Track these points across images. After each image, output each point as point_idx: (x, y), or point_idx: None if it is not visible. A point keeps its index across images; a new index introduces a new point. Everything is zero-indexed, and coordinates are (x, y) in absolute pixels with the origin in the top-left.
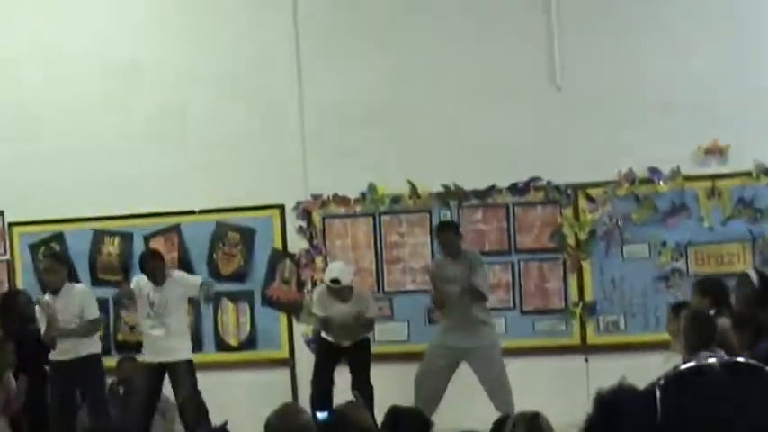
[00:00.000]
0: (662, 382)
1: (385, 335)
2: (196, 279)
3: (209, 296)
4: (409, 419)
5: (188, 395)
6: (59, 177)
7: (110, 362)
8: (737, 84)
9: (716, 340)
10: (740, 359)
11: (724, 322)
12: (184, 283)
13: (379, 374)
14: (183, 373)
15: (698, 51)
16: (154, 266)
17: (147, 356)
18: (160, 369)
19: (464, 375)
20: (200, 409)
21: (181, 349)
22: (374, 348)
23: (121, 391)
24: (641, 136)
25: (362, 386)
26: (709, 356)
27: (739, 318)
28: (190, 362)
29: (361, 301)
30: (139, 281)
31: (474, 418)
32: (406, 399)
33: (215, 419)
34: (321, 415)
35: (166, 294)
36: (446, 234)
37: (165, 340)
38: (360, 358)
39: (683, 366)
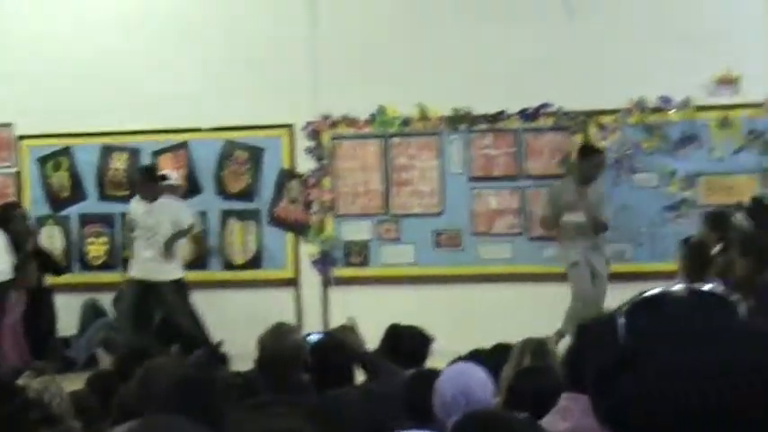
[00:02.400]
0: (625, 307)
1: (391, 257)
2: (183, 218)
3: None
4: (409, 338)
5: (176, 313)
6: (69, 91)
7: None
8: (750, 15)
9: (721, 271)
10: (707, 288)
11: (732, 254)
12: (176, 211)
13: (385, 297)
14: (170, 293)
15: None
16: (143, 186)
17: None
18: (146, 286)
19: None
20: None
21: (167, 269)
22: (381, 271)
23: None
24: (653, 64)
25: None
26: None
27: (744, 246)
28: (176, 281)
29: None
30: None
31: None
32: (412, 321)
33: (219, 337)
34: (313, 337)
35: (156, 215)
36: (596, 158)
37: (152, 261)
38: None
39: (648, 293)
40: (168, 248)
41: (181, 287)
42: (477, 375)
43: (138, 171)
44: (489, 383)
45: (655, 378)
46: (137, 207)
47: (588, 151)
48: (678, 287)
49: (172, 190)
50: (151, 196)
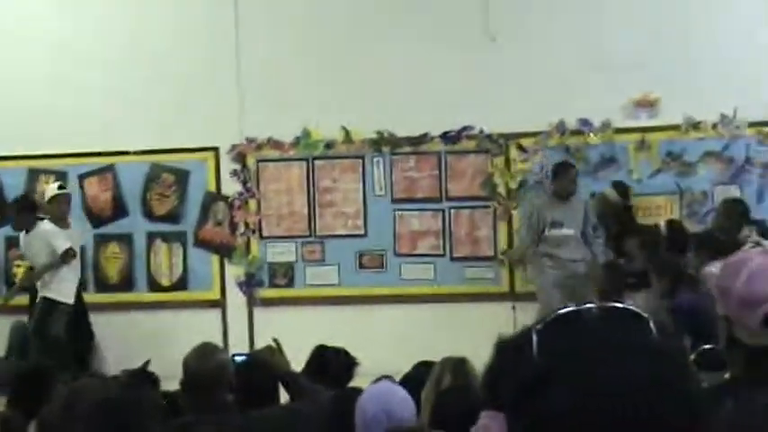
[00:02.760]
0: (539, 326)
1: (316, 278)
2: (58, 245)
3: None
4: (335, 360)
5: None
6: None
7: None
8: (668, 38)
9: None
10: (619, 305)
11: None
12: (50, 238)
13: (310, 317)
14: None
15: (631, 6)
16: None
17: None
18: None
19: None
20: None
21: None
22: (306, 291)
23: None
24: (573, 88)
25: None
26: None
27: (659, 265)
28: (44, 299)
29: None
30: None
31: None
32: (337, 341)
33: (145, 359)
34: (239, 358)
35: (31, 247)
36: (572, 173)
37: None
38: None
39: (561, 311)
40: (37, 278)
41: (50, 307)
42: (399, 394)
43: (12, 202)
44: (410, 402)
45: (584, 392)
46: (21, 238)
47: (565, 167)
48: (590, 304)
49: (67, 200)
50: (25, 226)
